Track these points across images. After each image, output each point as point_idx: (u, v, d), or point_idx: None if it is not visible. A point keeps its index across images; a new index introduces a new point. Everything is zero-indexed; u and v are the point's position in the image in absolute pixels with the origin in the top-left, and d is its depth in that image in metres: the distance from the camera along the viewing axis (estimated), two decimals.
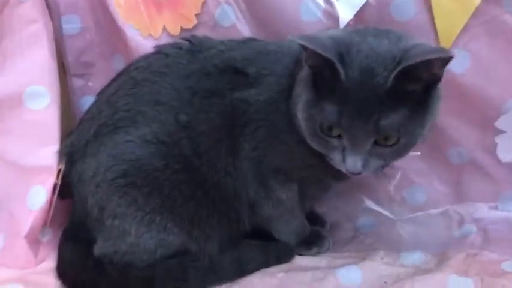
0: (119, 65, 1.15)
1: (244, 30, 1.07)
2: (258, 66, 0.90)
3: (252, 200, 0.94)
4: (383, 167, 0.79)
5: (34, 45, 0.98)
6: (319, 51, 0.70)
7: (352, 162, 0.75)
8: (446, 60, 0.70)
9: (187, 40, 0.95)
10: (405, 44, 0.75)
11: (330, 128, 0.76)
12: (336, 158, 0.78)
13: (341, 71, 0.71)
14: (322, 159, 0.83)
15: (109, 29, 1.12)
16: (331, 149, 0.78)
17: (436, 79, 0.74)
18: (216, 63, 0.91)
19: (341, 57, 0.72)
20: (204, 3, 1.05)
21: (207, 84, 0.90)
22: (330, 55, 0.70)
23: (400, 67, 0.69)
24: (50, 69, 1.00)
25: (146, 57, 0.97)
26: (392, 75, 0.70)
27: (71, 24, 1.14)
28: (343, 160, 0.77)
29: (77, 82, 1.19)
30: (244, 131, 0.89)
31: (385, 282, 0.87)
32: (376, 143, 0.74)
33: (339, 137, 0.76)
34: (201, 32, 1.06)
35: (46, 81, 0.99)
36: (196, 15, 1.06)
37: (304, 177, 0.95)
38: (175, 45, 0.96)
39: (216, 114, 0.89)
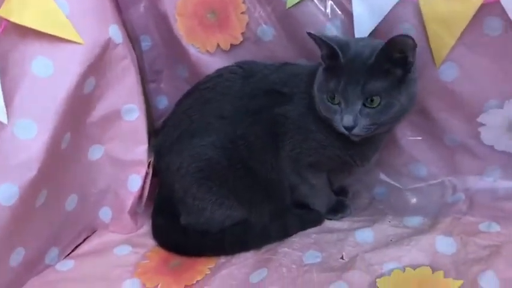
0: (182, 72, 1.41)
1: (280, 43, 1.27)
2: (290, 86, 1.11)
3: (292, 185, 1.16)
4: (372, 127, 0.97)
5: (126, 75, 1.20)
6: (326, 40, 0.97)
7: (346, 119, 0.96)
8: (410, 43, 0.93)
9: (240, 67, 1.18)
10: None
11: (333, 97, 0.98)
12: (337, 120, 0.98)
13: (340, 53, 0.96)
14: (344, 146, 1.08)
15: (173, 45, 1.36)
16: (333, 114, 0.99)
17: (408, 62, 0.96)
18: (260, 86, 1.13)
19: (340, 46, 0.98)
20: (247, 24, 1.27)
21: (255, 104, 1.11)
22: (333, 43, 0.96)
23: (380, 46, 0.93)
24: (138, 91, 1.24)
25: (211, 78, 1.19)
26: (375, 53, 0.94)
27: (145, 43, 1.41)
28: (341, 119, 0.97)
29: (151, 86, 1.46)
30: (284, 137, 1.10)
31: (391, 240, 1.07)
32: (364, 105, 0.96)
33: (339, 104, 0.98)
34: (246, 46, 1.30)
35: (136, 100, 1.23)
36: (242, 33, 1.27)
37: (331, 167, 1.16)
38: (231, 71, 1.17)
39: (262, 127, 1.10)
